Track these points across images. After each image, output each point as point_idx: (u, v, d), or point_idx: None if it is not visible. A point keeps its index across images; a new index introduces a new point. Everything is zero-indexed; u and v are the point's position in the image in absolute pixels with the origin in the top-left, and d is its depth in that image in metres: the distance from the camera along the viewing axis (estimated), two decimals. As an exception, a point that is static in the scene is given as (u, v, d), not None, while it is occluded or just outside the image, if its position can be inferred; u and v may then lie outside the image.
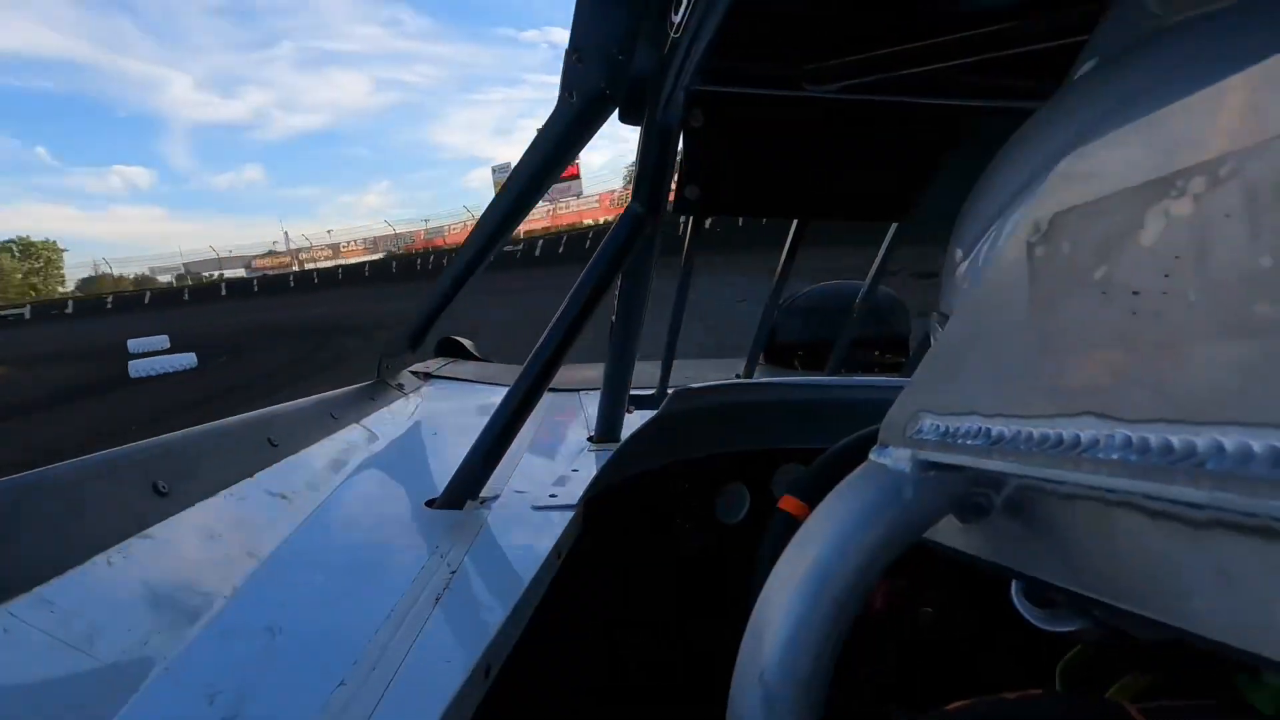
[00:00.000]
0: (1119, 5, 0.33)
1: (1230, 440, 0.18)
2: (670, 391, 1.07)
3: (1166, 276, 0.20)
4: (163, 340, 15.03)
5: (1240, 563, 0.19)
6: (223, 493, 0.74)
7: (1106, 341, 0.22)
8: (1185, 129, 0.20)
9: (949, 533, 0.33)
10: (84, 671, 0.46)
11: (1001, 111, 0.87)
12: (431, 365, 1.67)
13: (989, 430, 0.27)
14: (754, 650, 0.31)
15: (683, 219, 1.01)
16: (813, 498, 0.60)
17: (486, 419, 0.85)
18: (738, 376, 1.34)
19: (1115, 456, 0.21)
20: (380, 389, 1.32)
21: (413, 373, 1.53)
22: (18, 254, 48.51)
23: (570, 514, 0.81)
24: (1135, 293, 0.21)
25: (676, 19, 0.65)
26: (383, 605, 0.58)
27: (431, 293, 1.23)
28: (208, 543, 0.66)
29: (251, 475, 0.80)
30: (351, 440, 1.03)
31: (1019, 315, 0.26)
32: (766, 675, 0.30)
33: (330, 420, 1.06)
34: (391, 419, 1.20)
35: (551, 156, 0.93)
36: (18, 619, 0.47)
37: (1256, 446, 0.17)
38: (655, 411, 1.04)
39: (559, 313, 0.87)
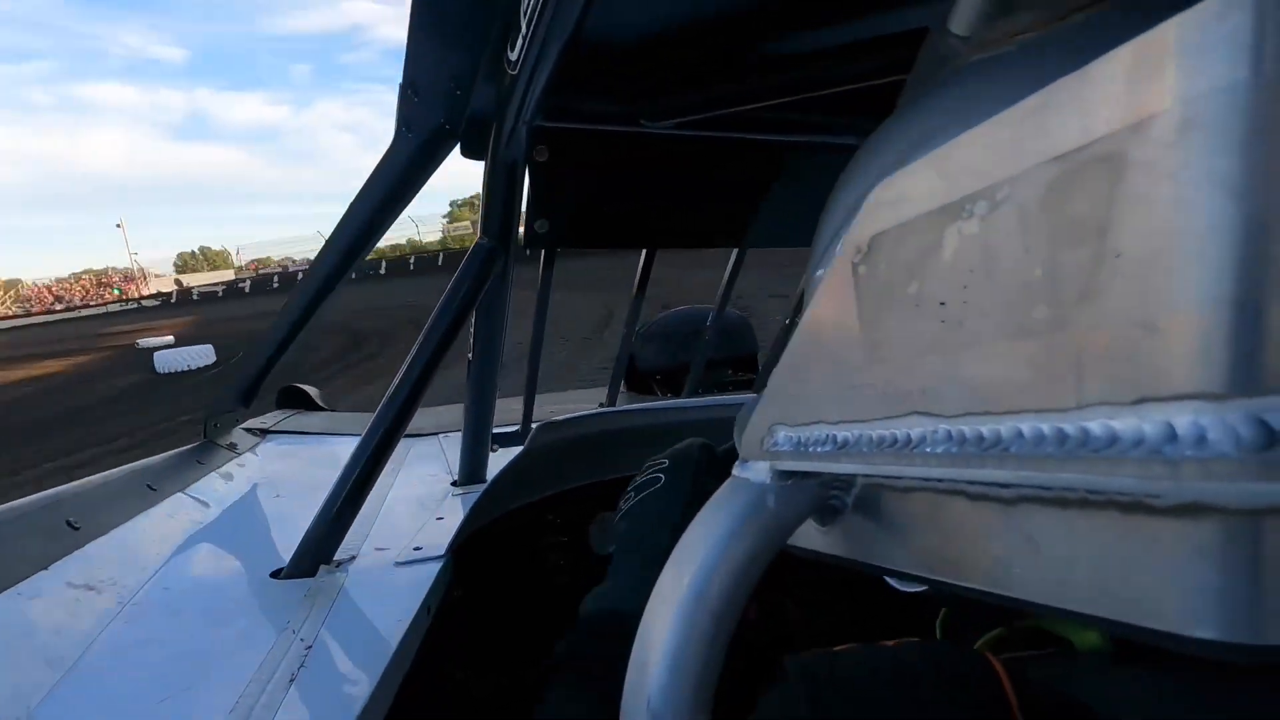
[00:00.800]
0: (927, 49, 0.38)
1: (1026, 426, 0.21)
2: (534, 426, 1.05)
3: (965, 288, 0.23)
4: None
5: (1042, 530, 0.22)
6: (6, 593, 0.62)
7: (923, 348, 0.25)
8: (969, 159, 0.23)
9: (810, 536, 0.35)
10: None
11: (823, 146, 0.96)
12: (269, 419, 1.52)
13: (835, 436, 0.29)
14: (639, 677, 0.31)
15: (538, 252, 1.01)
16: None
17: (337, 474, 0.79)
18: (600, 406, 1.35)
19: (940, 450, 0.24)
20: (208, 451, 1.18)
21: (247, 430, 1.39)
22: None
23: (439, 565, 0.77)
24: (942, 303, 0.24)
25: (513, 56, 0.65)
26: (225, 698, 0.52)
27: (263, 341, 1.12)
28: None
29: (46, 567, 0.68)
30: (175, 513, 0.91)
31: (850, 330, 0.29)
32: (653, 701, 0.30)
33: (147, 492, 0.93)
34: (224, 484, 1.08)
35: (390, 194, 0.89)
36: None
37: (1045, 429, 0.20)
38: (521, 448, 1.02)
39: (412, 353, 0.83)
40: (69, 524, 0.76)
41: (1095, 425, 0.19)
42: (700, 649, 0.31)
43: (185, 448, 1.15)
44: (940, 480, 0.26)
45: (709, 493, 0.34)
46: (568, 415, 1.08)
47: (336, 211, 0.95)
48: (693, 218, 1.04)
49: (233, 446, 1.25)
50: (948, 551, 0.27)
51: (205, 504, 0.97)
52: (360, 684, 0.54)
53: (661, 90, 0.82)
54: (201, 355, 12.56)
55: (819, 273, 0.45)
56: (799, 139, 0.95)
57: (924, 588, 0.42)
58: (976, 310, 0.23)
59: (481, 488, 0.99)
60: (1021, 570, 0.23)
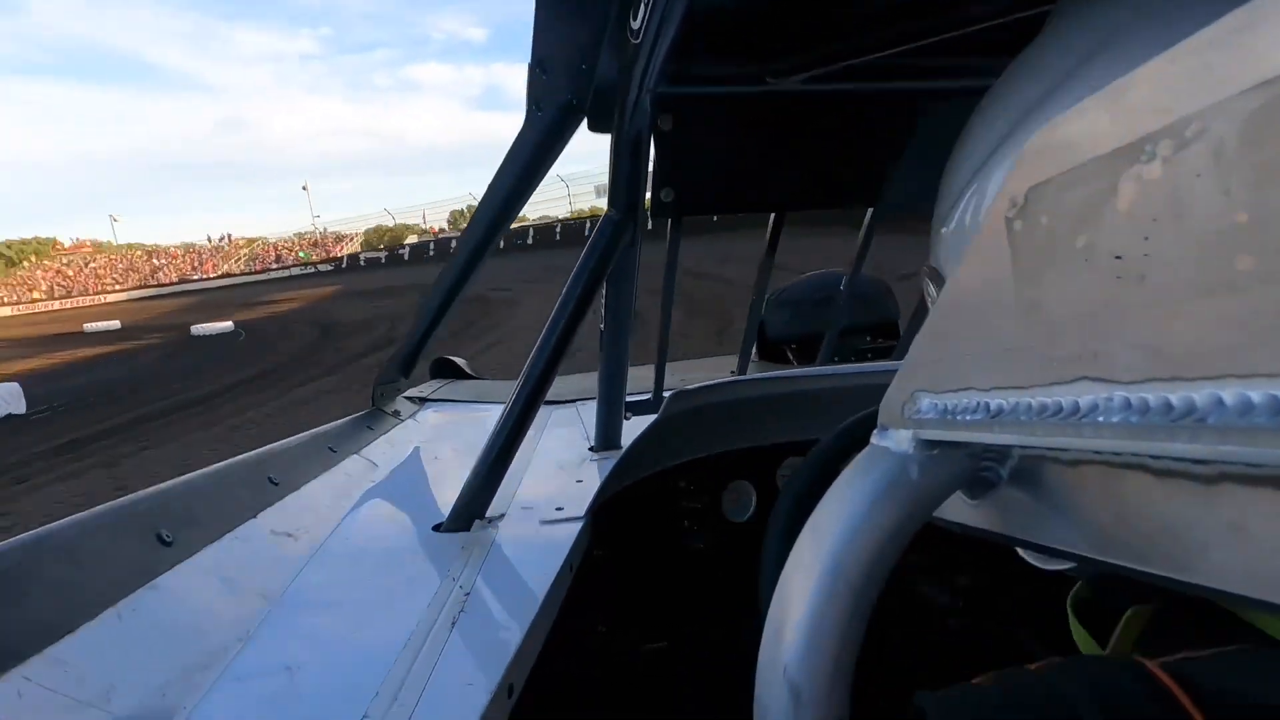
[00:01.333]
0: None
1: (1228, 393, 0.18)
2: (666, 395, 1.07)
3: (1146, 239, 0.21)
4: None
5: (1251, 514, 0.19)
6: (227, 536, 0.74)
7: (1095, 307, 0.23)
8: (1152, 91, 0.20)
9: (958, 509, 0.33)
10: None
11: (963, 91, 0.87)
12: (426, 389, 1.66)
13: (987, 404, 0.27)
14: (775, 645, 0.31)
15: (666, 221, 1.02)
16: (812, 487, 0.60)
17: (486, 438, 0.85)
18: (732, 374, 1.34)
19: (1116, 419, 0.22)
20: (377, 417, 1.31)
21: (408, 398, 1.53)
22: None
23: (578, 526, 0.81)
24: (1118, 257, 0.22)
25: (636, 25, 0.65)
26: (399, 634, 0.58)
27: (419, 316, 1.22)
28: (216, 588, 0.65)
29: (254, 516, 0.80)
30: (352, 472, 1.03)
31: (1005, 289, 0.26)
32: (790, 670, 0.30)
33: (329, 453, 1.05)
34: (391, 447, 1.20)
35: (525, 171, 0.93)
36: (31, 682, 0.47)
37: (1255, 397, 0.18)
38: (654, 416, 1.04)
39: (547, 325, 0.87)
40: (270, 480, 0.88)
41: None
42: (838, 620, 0.30)
43: (358, 414, 1.29)
44: (1117, 454, 0.23)
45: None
46: (699, 384, 1.09)
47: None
48: (824, 177, 0.99)
49: (396, 414, 1.39)
50: (1126, 533, 0.24)
51: (375, 465, 1.08)
52: (513, 630, 0.59)
53: (787, 44, 0.78)
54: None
55: (945, 229, 0.42)
56: (937, 85, 0.87)
57: (1071, 565, 0.37)
58: (1162, 262, 0.20)
59: (617, 454, 1.02)
60: (1224, 558, 0.20)
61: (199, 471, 0.82)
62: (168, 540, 0.67)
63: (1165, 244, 0.20)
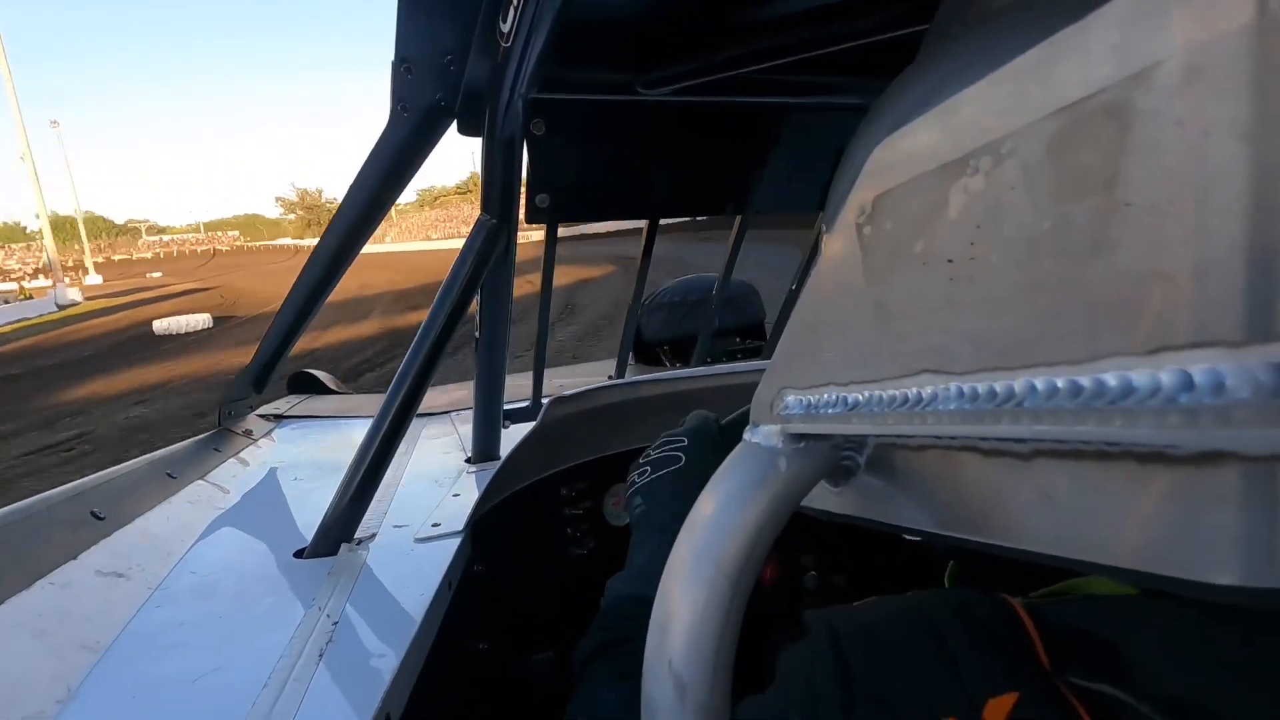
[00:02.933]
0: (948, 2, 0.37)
1: (1039, 380, 0.21)
2: (545, 401, 1.06)
3: (972, 244, 0.23)
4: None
5: (1058, 485, 0.22)
6: (40, 582, 0.64)
7: (931, 306, 0.25)
8: (972, 114, 0.23)
9: (823, 498, 0.36)
10: None
11: (827, 107, 0.94)
12: (282, 405, 1.54)
13: (845, 398, 0.29)
14: (660, 641, 0.32)
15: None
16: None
17: (351, 455, 0.80)
18: (610, 379, 1.35)
19: (951, 407, 0.24)
20: (224, 438, 1.20)
21: (261, 416, 1.40)
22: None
23: (456, 541, 0.78)
24: (949, 260, 0.24)
25: (505, 28, 0.64)
26: (257, 674, 0.53)
27: (273, 327, 1.13)
28: (27, 645, 0.57)
29: (75, 557, 0.70)
30: (196, 499, 0.93)
31: (857, 291, 0.29)
32: (675, 663, 0.31)
33: (167, 480, 0.94)
34: (242, 469, 1.09)
35: (390, 173, 0.88)
36: None
37: (1059, 382, 0.20)
38: (533, 423, 1.03)
39: (419, 333, 0.83)
40: (94, 514, 0.77)
41: (1110, 377, 0.19)
42: (719, 612, 0.31)
43: (202, 435, 1.17)
44: (953, 437, 0.26)
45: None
46: (578, 389, 1.09)
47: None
48: (695, 186, 1.03)
49: (248, 433, 1.27)
50: (962, 508, 0.27)
51: (225, 490, 0.98)
52: (387, 657, 0.56)
53: (657, 56, 0.80)
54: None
55: (828, 236, 0.45)
56: (801, 100, 0.93)
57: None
58: (985, 266, 0.23)
59: (496, 464, 1.00)
60: (1038, 524, 0.23)
61: (2, 509, 0.71)
62: None
63: (987, 249, 0.23)
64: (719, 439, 0.66)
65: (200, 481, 0.99)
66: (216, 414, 1.25)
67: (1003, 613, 0.29)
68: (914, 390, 0.26)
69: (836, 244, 0.29)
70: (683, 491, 0.61)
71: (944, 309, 0.25)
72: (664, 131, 0.92)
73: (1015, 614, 0.29)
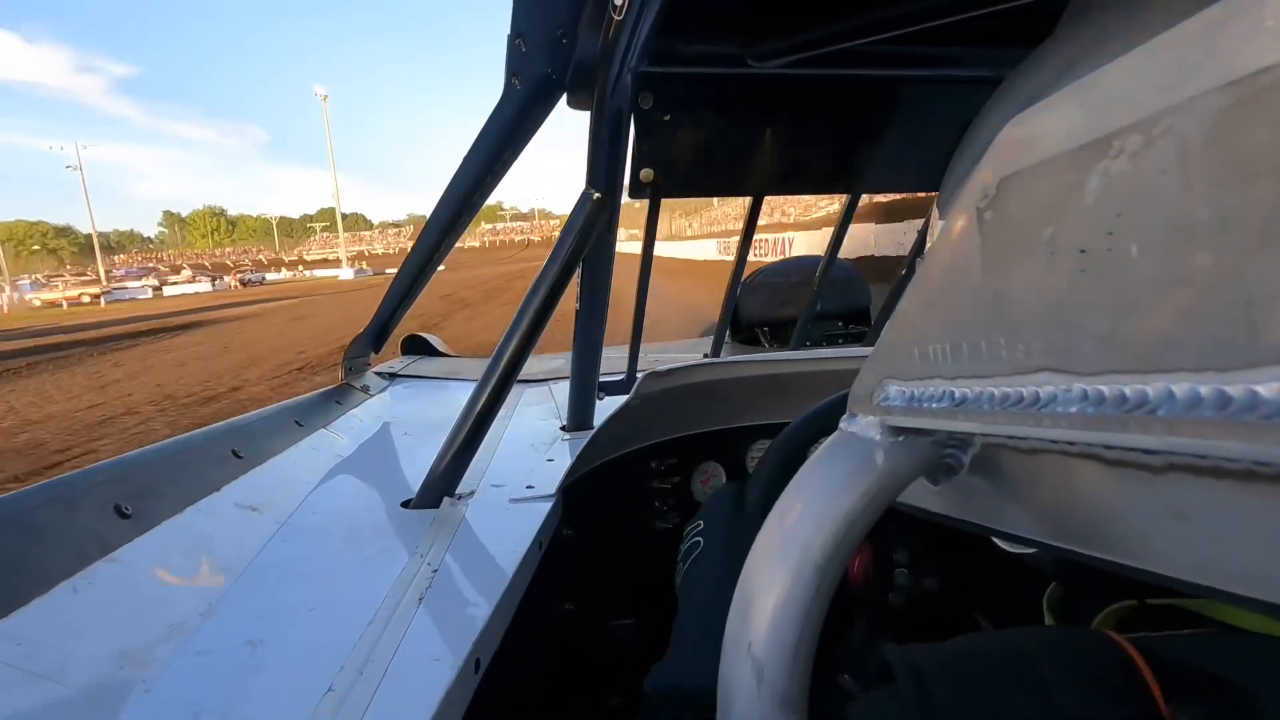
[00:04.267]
0: None
1: (1179, 387, 0.19)
2: (639, 375, 1.07)
3: (1110, 234, 0.21)
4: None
5: (1194, 503, 0.20)
6: (189, 509, 0.72)
7: (1058, 299, 0.23)
8: (1120, 89, 0.21)
9: (921, 495, 0.34)
10: (58, 701, 0.45)
11: (946, 80, 0.88)
12: (396, 365, 1.64)
13: (952, 393, 0.28)
14: (740, 624, 0.32)
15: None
16: (781, 471, 0.62)
17: (456, 415, 0.84)
18: (705, 356, 1.35)
19: (1073, 410, 0.22)
20: (345, 392, 1.30)
21: (378, 373, 1.51)
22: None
23: (548, 504, 0.81)
24: (1082, 250, 0.22)
25: (618, 1, 0.64)
26: (365, 609, 0.58)
27: (390, 292, 1.21)
28: (177, 562, 0.64)
29: (218, 489, 0.78)
30: (319, 446, 1.01)
31: (973, 279, 0.27)
32: (755, 648, 0.31)
33: (295, 427, 1.03)
34: (359, 422, 1.18)
35: (501, 145, 0.91)
36: None
37: (1203, 391, 0.18)
38: (626, 396, 1.04)
39: (523, 304, 0.86)
40: (234, 453, 0.86)
41: (1265, 388, 0.17)
42: (803, 599, 0.31)
43: (325, 389, 1.27)
44: (1072, 443, 0.24)
45: (747, 533, 0.33)
46: (672, 365, 1.09)
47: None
48: (803, 162, 0.99)
49: (366, 389, 1.37)
50: (1077, 519, 0.25)
51: (343, 440, 1.07)
52: (480, 607, 0.59)
53: (770, 28, 0.78)
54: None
55: (945, 219, 0.42)
56: (922, 73, 0.87)
57: (1033, 550, 0.39)
58: (1123, 257, 0.21)
59: (589, 433, 1.03)
60: (1166, 545, 0.21)
61: (160, 444, 0.80)
62: (127, 513, 0.65)
63: (1129, 239, 0.21)
64: (737, 509, 0.65)
65: (323, 430, 1.08)
66: (340, 370, 1.36)
67: (1113, 655, 0.26)
68: (1031, 389, 0.24)
69: (953, 227, 0.28)
70: (705, 576, 0.61)
71: (1072, 303, 0.23)
72: (774, 106, 0.90)
73: (1128, 657, 0.26)
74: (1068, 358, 0.23)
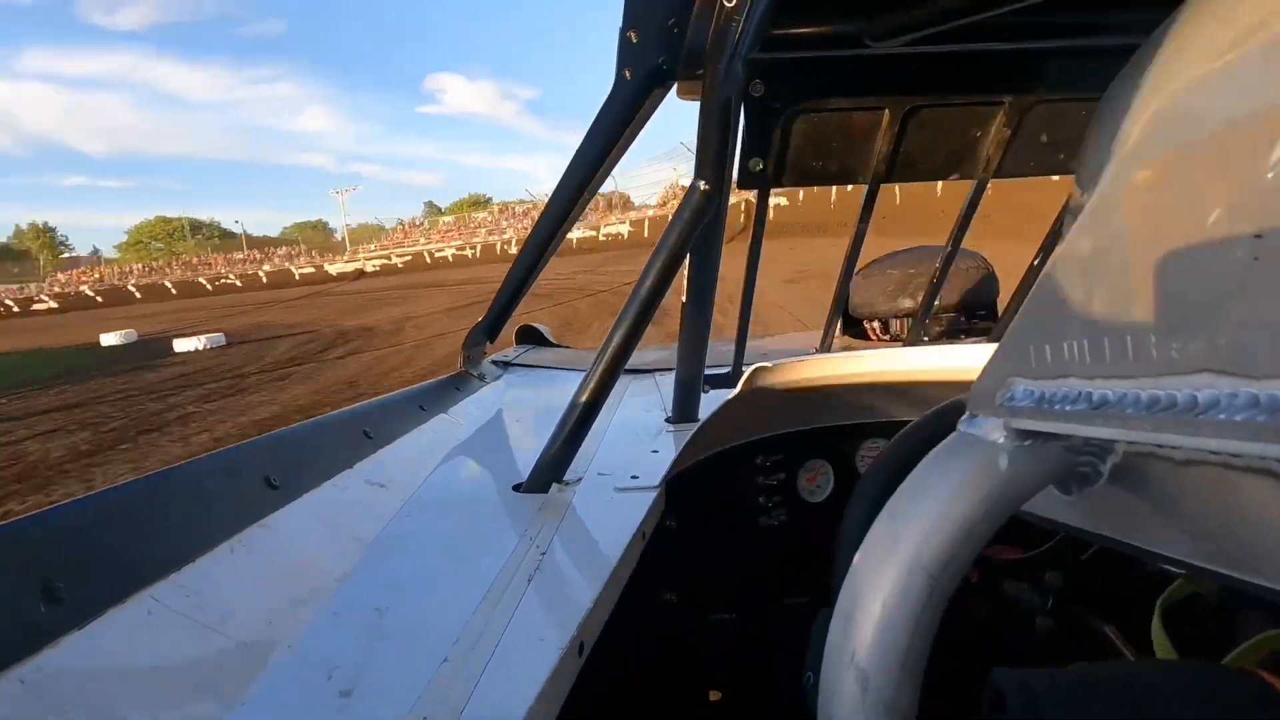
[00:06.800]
0: None
1: None
2: (746, 369, 1.06)
3: None
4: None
5: None
6: (327, 483, 0.79)
7: (1225, 291, 0.20)
8: None
9: (1050, 505, 0.31)
10: (219, 649, 0.51)
11: (1084, 53, 0.80)
12: (511, 354, 1.72)
13: (1090, 394, 0.25)
14: (844, 631, 0.31)
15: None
16: (895, 474, 0.59)
17: (566, 404, 0.87)
18: (815, 351, 1.31)
19: (1240, 417, 0.20)
20: (464, 380, 1.37)
21: (494, 362, 1.58)
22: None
23: (652, 495, 0.82)
24: (1258, 236, 0.19)
25: None
26: (478, 586, 0.61)
27: (505, 283, 1.26)
28: (317, 530, 0.71)
29: (351, 466, 0.85)
30: (440, 430, 1.08)
31: (1120, 267, 0.24)
32: (859, 657, 0.30)
33: (420, 412, 1.11)
34: (476, 408, 1.25)
35: (612, 137, 0.92)
36: (160, 603, 0.52)
37: None
38: (732, 390, 1.03)
39: (630, 295, 0.87)
40: (366, 434, 0.94)
41: None
42: (913, 608, 0.29)
43: (446, 376, 1.35)
44: (1238, 456, 0.21)
45: None
46: (780, 360, 1.07)
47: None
48: (923, 147, 0.94)
49: (482, 376, 1.44)
50: (1239, 542, 0.22)
51: (461, 424, 1.13)
52: (585, 591, 0.61)
53: (890, 4, 0.74)
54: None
55: (1084, 202, 0.39)
56: (1048, 45, 0.80)
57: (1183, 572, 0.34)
58: None
59: (694, 426, 1.03)
60: None
61: (303, 423, 0.88)
62: (275, 484, 0.73)
63: None
64: None
65: (443, 415, 1.15)
66: (459, 359, 1.44)
67: (1261, 696, 0.23)
68: (1187, 392, 0.21)
69: (1098, 211, 0.25)
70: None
71: (1242, 295, 0.20)
72: (893, 87, 0.85)
73: (1276, 694, 0.23)
74: (1236, 358, 0.20)
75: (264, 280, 46.13)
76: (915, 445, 0.60)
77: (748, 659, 1.08)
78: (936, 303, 1.30)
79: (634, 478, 0.87)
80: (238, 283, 47.26)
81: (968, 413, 0.32)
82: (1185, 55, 0.28)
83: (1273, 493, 0.20)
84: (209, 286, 47.61)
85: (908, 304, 1.62)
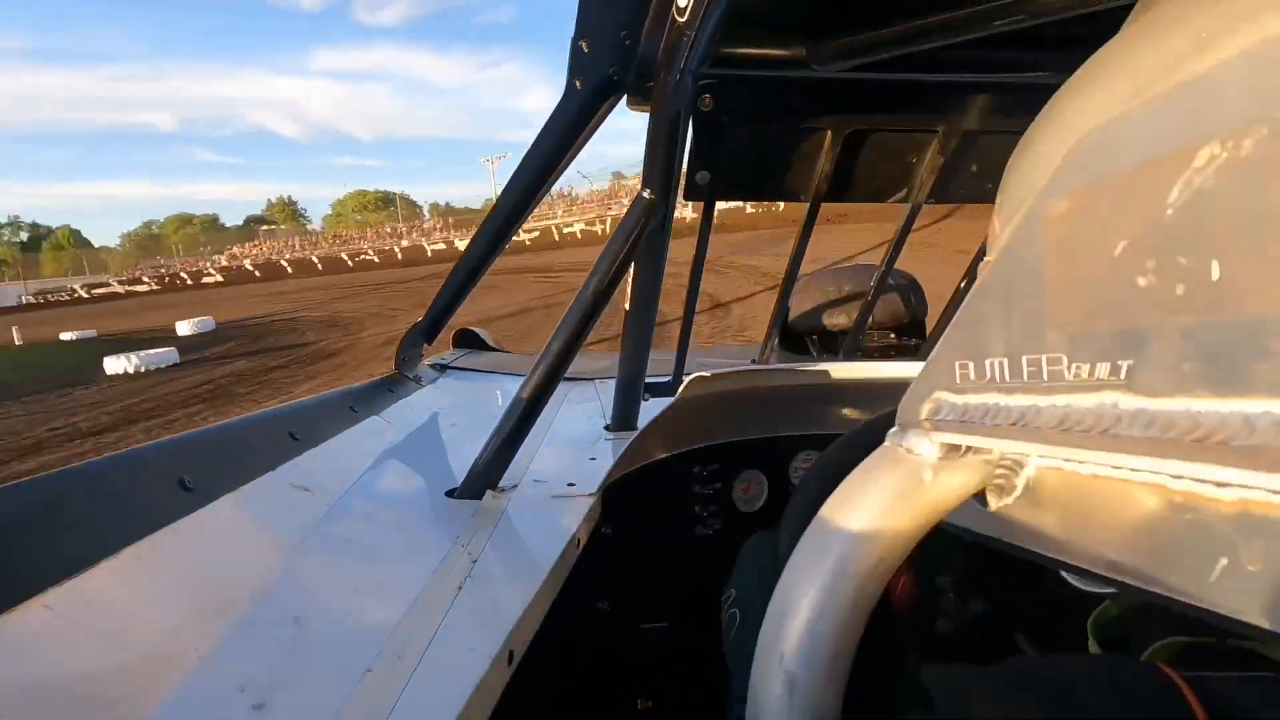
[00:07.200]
0: None
1: (1260, 413, 0.18)
2: (686, 379, 1.07)
3: (1192, 248, 0.20)
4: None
5: (1266, 543, 0.19)
6: (247, 486, 0.75)
7: (1128, 316, 0.22)
8: (1216, 95, 0.20)
9: (971, 516, 0.33)
10: (119, 662, 0.48)
11: (1014, 87, 0.85)
12: (448, 357, 1.68)
13: (1008, 410, 0.27)
14: (774, 634, 0.32)
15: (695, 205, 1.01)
16: (828, 485, 0.61)
17: (504, 409, 0.86)
18: (753, 363, 1.33)
19: (1138, 434, 0.21)
20: (398, 381, 1.33)
21: (430, 365, 1.55)
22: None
23: (589, 502, 0.81)
24: (1159, 265, 0.21)
25: (682, 3, 0.64)
26: (406, 594, 0.59)
27: (446, 285, 1.23)
28: (234, 536, 0.67)
29: (274, 468, 0.81)
30: (371, 432, 1.04)
31: (1039, 293, 0.26)
32: (787, 659, 0.30)
33: (350, 413, 1.07)
34: (410, 411, 1.21)
35: (560, 145, 0.92)
36: (52, 610, 0.49)
37: None
38: (671, 399, 1.04)
39: (573, 302, 0.87)
40: (291, 435, 0.90)
41: None
42: (839, 613, 0.30)
43: (380, 377, 1.31)
44: (1136, 470, 0.23)
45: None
46: (719, 370, 1.09)
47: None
48: (863, 169, 0.97)
49: (418, 379, 1.40)
50: (1138, 552, 0.24)
51: (394, 427, 1.10)
52: (516, 600, 0.60)
53: (834, 30, 0.77)
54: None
55: (1006, 230, 0.41)
56: (987, 79, 0.84)
57: (1111, 589, 0.37)
58: (1203, 275, 0.19)
59: (632, 434, 1.03)
60: (1232, 584, 0.20)
61: (222, 422, 0.84)
62: (189, 486, 0.68)
63: (1211, 255, 0.19)
64: (771, 567, 0.63)
65: (375, 417, 1.11)
66: (394, 360, 1.40)
67: (1165, 691, 0.25)
68: (1093, 409, 0.23)
69: (1016, 238, 0.27)
70: (746, 647, 0.58)
71: (1146, 320, 0.21)
72: (835, 110, 0.88)
73: (1179, 693, 0.24)
74: (1140, 378, 0.22)
75: (398, 257, 46.59)
76: (847, 457, 0.62)
77: (680, 668, 1.08)
78: (870, 320, 1.35)
79: (570, 485, 0.86)
80: (375, 258, 47.92)
81: (896, 426, 0.33)
82: (1100, 96, 0.31)
83: (1166, 505, 0.22)
84: (350, 263, 48.12)
85: (843, 320, 1.67)
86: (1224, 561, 0.20)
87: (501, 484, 0.85)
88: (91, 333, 21.14)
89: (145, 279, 56.96)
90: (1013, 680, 0.28)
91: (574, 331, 0.86)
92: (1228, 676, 0.26)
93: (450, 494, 0.83)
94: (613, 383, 1.09)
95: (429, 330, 1.36)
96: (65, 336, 20.74)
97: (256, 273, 50.67)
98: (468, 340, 1.88)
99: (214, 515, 0.68)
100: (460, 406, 1.29)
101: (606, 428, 1.10)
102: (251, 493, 0.75)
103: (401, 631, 0.54)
